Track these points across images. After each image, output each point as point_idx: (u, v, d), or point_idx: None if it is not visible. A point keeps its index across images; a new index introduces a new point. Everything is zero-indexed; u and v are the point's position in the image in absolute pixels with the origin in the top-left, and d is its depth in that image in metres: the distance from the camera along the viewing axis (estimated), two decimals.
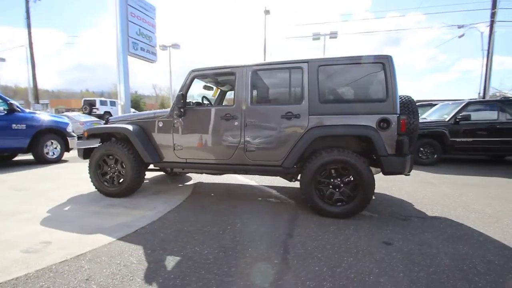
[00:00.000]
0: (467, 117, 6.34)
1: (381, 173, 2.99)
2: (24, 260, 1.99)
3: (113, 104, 19.05)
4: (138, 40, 19.33)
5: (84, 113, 17.19)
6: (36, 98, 17.75)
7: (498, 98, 6.81)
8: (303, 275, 1.87)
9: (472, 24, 17.67)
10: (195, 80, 3.44)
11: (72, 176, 4.92)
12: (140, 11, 19.16)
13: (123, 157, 3.46)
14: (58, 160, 6.64)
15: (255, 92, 3.18)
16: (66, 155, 7.15)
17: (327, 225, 2.76)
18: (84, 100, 18.54)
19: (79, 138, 5.47)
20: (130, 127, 3.49)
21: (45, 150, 6.37)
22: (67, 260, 2.01)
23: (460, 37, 17.97)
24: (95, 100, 18.46)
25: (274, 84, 3.26)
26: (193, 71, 3.39)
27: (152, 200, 3.53)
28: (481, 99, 7.03)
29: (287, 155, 3.06)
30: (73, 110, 36.90)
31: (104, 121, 3.98)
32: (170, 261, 2.02)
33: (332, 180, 2.97)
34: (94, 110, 17.69)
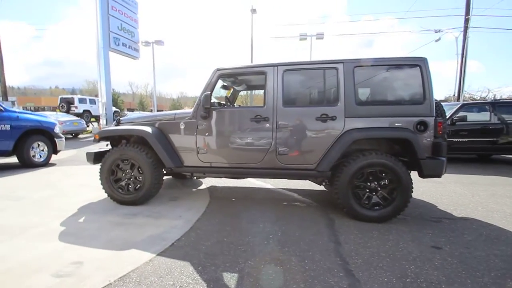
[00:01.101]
0: (464, 118, 6.61)
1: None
2: (61, 287, 1.72)
3: (93, 102, 17.96)
4: (120, 36, 18.45)
5: (61, 111, 16.05)
6: (5, 95, 16.31)
7: (490, 100, 7.18)
8: None
9: (448, 29, 18.64)
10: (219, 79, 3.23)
11: (69, 182, 4.50)
12: (122, 5, 18.23)
13: (141, 161, 3.18)
14: (46, 163, 6.09)
15: (287, 93, 3.04)
16: (53, 158, 6.58)
17: (367, 230, 2.70)
18: (61, 98, 17.28)
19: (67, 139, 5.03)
20: (149, 129, 3.22)
21: (32, 153, 5.81)
22: (112, 284, 1.76)
23: (437, 41, 18.89)
24: (73, 98, 17.26)
25: (307, 84, 3.14)
26: (218, 69, 3.18)
27: (173, 207, 3.29)
28: (475, 101, 7.37)
29: (322, 158, 2.96)
30: (43, 109, 34.40)
31: (115, 122, 3.65)
32: (229, 279, 1.84)
33: (368, 184, 2.91)
34: (73, 109, 16.55)
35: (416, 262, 2.11)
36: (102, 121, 14.75)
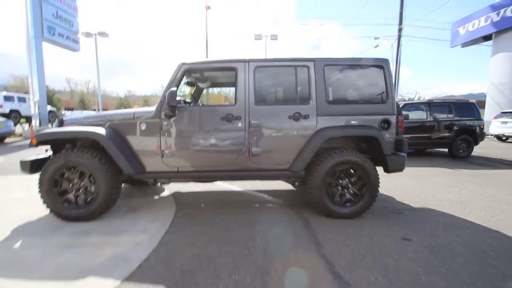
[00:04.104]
0: (406, 117, 7.31)
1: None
2: None
3: (22, 100, 15.47)
4: (55, 24, 16.29)
5: None
6: None
7: (426, 100, 8.07)
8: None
9: (385, 36, 20.67)
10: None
11: (1, 195, 3.71)
12: None
13: (94, 169, 2.73)
14: None
15: (259, 91, 2.91)
16: None
17: (342, 227, 2.74)
18: None
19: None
20: (102, 131, 2.78)
21: None
22: None
23: (375, 47, 20.74)
24: None
25: (279, 82, 3.05)
26: (184, 64, 2.90)
27: (134, 220, 2.91)
28: (414, 101, 8.25)
29: (296, 158, 2.91)
30: None
31: (57, 123, 3.07)
32: None
33: (340, 181, 2.96)
34: None
35: (393, 255, 2.18)
36: (35, 122, 12.79)
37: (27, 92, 14.37)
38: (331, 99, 2.96)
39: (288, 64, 2.96)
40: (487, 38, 16.67)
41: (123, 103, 48.71)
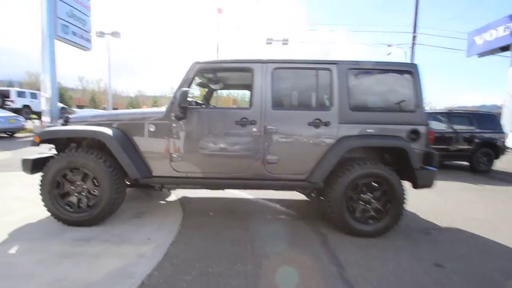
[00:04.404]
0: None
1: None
2: None
3: (34, 96, 15.63)
4: (69, 23, 16.46)
5: None
6: None
7: (446, 111, 7.71)
8: None
9: (398, 44, 20.24)
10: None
11: (0, 194, 3.58)
12: None
13: (98, 171, 2.56)
14: None
15: (276, 94, 2.70)
16: None
17: (365, 247, 2.49)
18: None
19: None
20: (109, 131, 2.61)
21: None
22: None
23: (388, 54, 20.32)
24: (8, 91, 14.77)
25: (298, 85, 2.84)
26: (197, 63, 2.72)
27: (138, 226, 2.72)
28: (433, 111, 7.85)
29: (314, 168, 2.68)
30: None
31: (62, 121, 2.92)
32: None
33: (362, 196, 2.71)
34: (8, 103, 14.14)
35: (427, 285, 1.92)
36: (45, 118, 12.87)
37: (39, 89, 14.50)
38: (354, 105, 2.72)
39: (308, 66, 2.75)
40: (504, 48, 16.16)
41: (133, 102, 49.25)
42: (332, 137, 2.66)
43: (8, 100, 14.26)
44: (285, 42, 21.97)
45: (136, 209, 3.22)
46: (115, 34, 21.09)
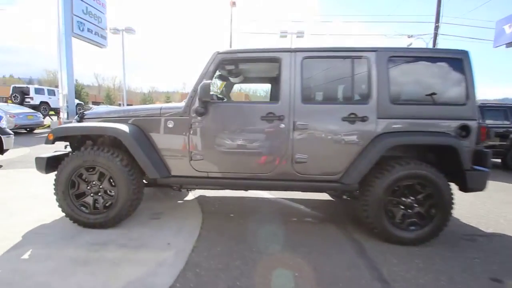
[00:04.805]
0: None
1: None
2: None
3: (52, 93, 15.94)
4: (85, 20, 16.61)
5: (13, 102, 14.01)
6: None
7: (478, 104, 7.14)
8: None
9: (420, 34, 19.28)
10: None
11: (14, 192, 3.50)
12: None
13: (114, 170, 2.39)
14: None
15: (307, 86, 2.44)
16: None
17: (407, 257, 2.21)
18: (14, 87, 15.07)
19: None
20: (125, 128, 2.43)
21: None
22: None
23: (409, 45, 19.44)
24: (28, 88, 15.14)
25: (331, 76, 2.55)
26: (219, 53, 2.48)
27: (157, 229, 2.54)
28: (487, 103, 7.27)
29: (349, 168, 2.40)
30: None
31: (77, 117, 2.78)
32: None
33: (403, 199, 2.42)
34: (28, 100, 14.49)
35: None
36: (63, 114, 13.08)
37: (57, 86, 14.77)
38: (395, 98, 2.41)
39: (343, 54, 2.45)
40: None
41: (147, 98, 49.92)
42: (370, 134, 2.38)
43: (28, 97, 14.60)
44: (300, 34, 21.36)
45: (154, 210, 3.05)
46: (129, 30, 21.20)
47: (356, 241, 2.46)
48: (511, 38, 16.16)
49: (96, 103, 37.99)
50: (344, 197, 2.74)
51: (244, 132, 2.46)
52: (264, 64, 2.89)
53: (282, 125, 2.41)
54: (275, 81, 3.15)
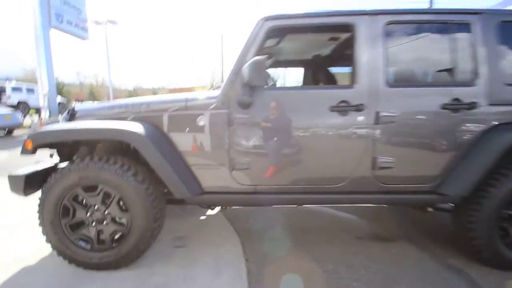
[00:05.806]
0: None
1: None
2: None
3: (31, 91, 14.64)
4: (62, 11, 15.29)
5: None
6: None
7: None
8: None
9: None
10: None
11: None
12: None
13: (127, 190, 1.66)
14: None
15: (393, 63, 1.78)
16: None
17: None
18: None
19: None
20: (140, 129, 1.69)
21: None
22: None
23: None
24: (4, 86, 13.82)
25: (423, 49, 1.89)
26: (267, 19, 1.77)
27: (185, 266, 1.84)
28: None
29: (450, 174, 1.77)
30: None
31: (66, 115, 2.01)
32: None
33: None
34: (4, 99, 13.19)
35: None
36: (44, 113, 11.93)
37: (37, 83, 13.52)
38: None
39: (438, 18, 1.80)
40: None
41: (133, 95, 48.06)
42: (480, 126, 1.75)
43: (4, 96, 13.31)
44: None
45: (174, 230, 2.35)
46: (111, 22, 20.01)
47: (458, 270, 1.86)
48: None
49: (79, 101, 36.08)
50: (430, 209, 2.11)
51: (307, 129, 1.77)
52: (327, 36, 2.18)
53: (361, 118, 1.74)
54: (340, 58, 2.45)
